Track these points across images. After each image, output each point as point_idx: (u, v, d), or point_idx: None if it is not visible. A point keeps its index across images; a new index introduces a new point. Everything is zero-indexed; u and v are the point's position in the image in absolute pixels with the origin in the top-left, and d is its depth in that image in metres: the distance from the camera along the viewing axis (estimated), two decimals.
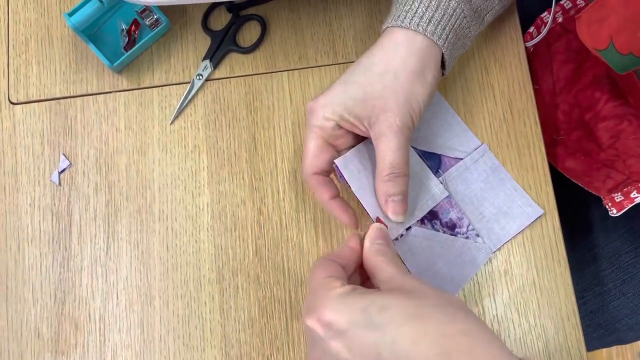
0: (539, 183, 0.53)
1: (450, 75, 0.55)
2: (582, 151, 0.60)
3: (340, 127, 0.46)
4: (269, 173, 0.53)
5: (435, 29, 0.45)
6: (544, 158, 0.53)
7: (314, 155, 0.46)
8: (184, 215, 0.52)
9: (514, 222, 0.51)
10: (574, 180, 0.59)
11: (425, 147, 0.52)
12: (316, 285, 0.37)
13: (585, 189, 0.58)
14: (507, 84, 0.55)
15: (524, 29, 0.58)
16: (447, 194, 0.50)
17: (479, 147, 0.53)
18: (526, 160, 0.53)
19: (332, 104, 0.45)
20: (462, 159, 0.52)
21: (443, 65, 0.47)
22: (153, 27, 0.54)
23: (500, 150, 0.53)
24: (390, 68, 0.45)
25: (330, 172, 0.48)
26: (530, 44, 0.59)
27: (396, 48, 0.45)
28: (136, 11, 0.54)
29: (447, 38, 0.45)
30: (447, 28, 0.45)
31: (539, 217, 0.51)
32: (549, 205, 0.52)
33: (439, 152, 0.52)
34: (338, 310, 0.35)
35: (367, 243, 0.43)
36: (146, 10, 0.54)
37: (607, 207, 0.55)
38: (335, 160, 0.47)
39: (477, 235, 0.49)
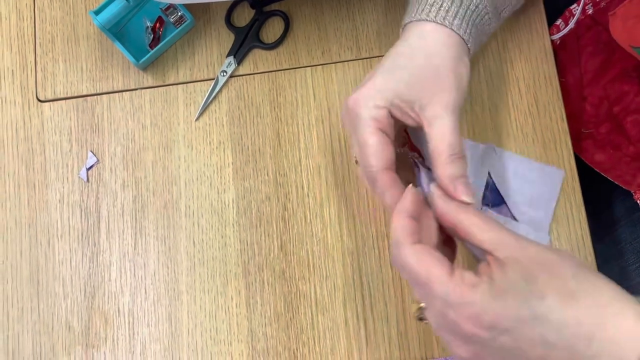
0: (566, 178, 0.52)
1: (474, 69, 0.55)
2: (611, 144, 0.60)
3: (391, 115, 0.44)
4: (293, 169, 0.53)
5: (461, 23, 0.44)
6: (570, 153, 0.53)
7: (380, 149, 0.42)
8: (209, 211, 0.53)
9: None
10: (604, 174, 0.58)
11: (502, 188, 0.51)
12: (446, 289, 0.36)
13: (615, 182, 0.57)
14: (532, 78, 0.54)
15: (551, 21, 0.57)
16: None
17: (541, 232, 0.51)
18: (552, 155, 0.53)
19: (380, 92, 0.43)
20: (517, 221, 0.51)
21: None
22: (177, 24, 0.54)
23: (525, 144, 0.53)
24: (435, 51, 0.44)
25: (395, 166, 0.44)
26: (556, 36, 0.58)
27: (431, 35, 0.44)
28: (160, 8, 0.55)
29: (470, 33, 0.45)
30: (470, 23, 0.45)
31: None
32: (575, 200, 0.52)
33: (507, 202, 0.51)
34: (497, 313, 0.35)
35: (438, 202, 0.41)
36: (170, 7, 0.54)
37: (638, 201, 0.54)
38: None
39: None
